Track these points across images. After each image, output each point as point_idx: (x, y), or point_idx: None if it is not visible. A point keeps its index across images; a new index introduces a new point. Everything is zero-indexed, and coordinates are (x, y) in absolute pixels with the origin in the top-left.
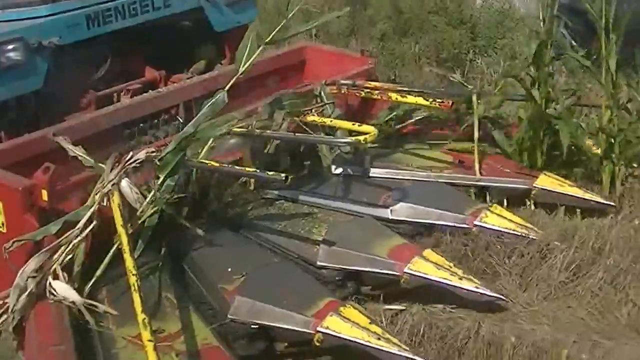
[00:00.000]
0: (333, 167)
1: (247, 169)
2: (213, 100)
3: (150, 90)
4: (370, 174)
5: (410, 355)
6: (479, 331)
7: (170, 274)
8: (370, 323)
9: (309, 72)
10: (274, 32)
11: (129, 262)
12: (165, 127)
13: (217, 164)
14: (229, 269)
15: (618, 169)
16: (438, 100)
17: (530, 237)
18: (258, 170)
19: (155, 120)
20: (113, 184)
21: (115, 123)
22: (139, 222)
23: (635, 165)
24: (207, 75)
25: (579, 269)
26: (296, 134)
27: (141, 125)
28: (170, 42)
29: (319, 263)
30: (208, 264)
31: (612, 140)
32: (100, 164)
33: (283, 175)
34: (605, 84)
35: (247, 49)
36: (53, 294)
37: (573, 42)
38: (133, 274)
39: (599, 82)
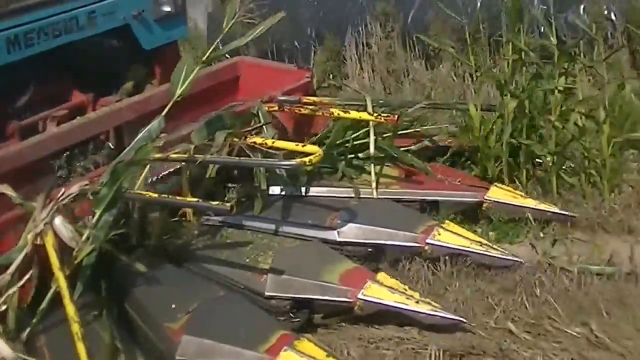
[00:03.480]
0: (270, 190)
1: (189, 198)
2: (149, 126)
3: (78, 116)
4: (313, 194)
5: None
6: None
7: (113, 316)
8: (327, 356)
9: (244, 88)
10: (210, 50)
11: (70, 309)
12: (95, 155)
13: (156, 195)
14: (173, 306)
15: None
16: (383, 114)
17: (486, 253)
18: (200, 200)
19: (84, 149)
20: (45, 224)
21: (41, 154)
22: (76, 261)
23: None
24: (138, 97)
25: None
26: (240, 158)
27: (69, 154)
28: (97, 64)
29: (267, 293)
30: (151, 303)
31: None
32: (31, 202)
33: (228, 204)
34: None
35: (184, 70)
36: None
37: None
38: (75, 321)
39: None
